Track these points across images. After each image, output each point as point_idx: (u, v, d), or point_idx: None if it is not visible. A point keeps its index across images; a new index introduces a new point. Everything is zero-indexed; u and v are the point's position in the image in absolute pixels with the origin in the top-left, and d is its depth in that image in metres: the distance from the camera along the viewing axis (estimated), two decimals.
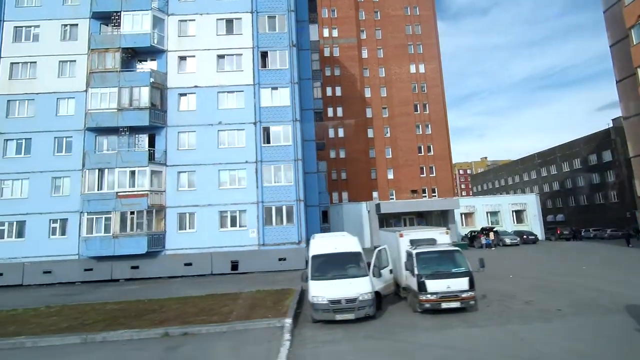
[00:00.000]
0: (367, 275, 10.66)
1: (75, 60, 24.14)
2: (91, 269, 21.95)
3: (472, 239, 32.22)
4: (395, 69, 48.94)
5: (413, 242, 12.20)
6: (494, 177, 72.66)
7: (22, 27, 24.44)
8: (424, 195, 46.83)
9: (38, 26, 24.43)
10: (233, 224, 22.75)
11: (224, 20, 24.63)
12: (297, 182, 23.01)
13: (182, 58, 24.39)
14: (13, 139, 23.26)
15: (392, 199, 45.84)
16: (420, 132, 47.91)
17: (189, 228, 22.67)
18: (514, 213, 37.73)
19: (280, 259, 22.13)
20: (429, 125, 48.04)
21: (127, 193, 21.87)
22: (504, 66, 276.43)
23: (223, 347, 8.89)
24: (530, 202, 37.80)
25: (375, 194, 46.22)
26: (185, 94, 23.99)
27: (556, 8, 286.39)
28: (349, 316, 9.95)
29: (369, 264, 11.15)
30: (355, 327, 9.94)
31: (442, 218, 35.01)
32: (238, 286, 16.56)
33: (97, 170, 22.16)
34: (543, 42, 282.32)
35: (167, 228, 22.47)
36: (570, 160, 49.91)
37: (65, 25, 24.50)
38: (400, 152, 47.57)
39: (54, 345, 9.53)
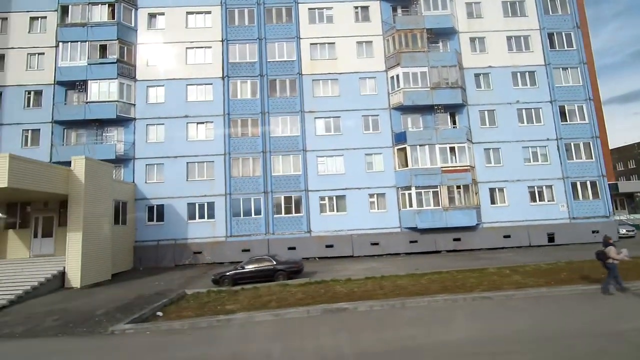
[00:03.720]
0: None
1: (371, 42, 24.89)
2: (416, 241, 22.84)
3: None
4: None
5: None
6: None
7: (314, 8, 25.16)
8: None
9: (331, 8, 25.17)
10: (541, 198, 23.60)
11: (513, 2, 25.38)
12: (598, 158, 23.88)
13: (473, 40, 25.11)
14: (321, 117, 24.06)
15: None
16: None
17: (500, 202, 23.51)
18: None
19: (593, 232, 22.97)
20: None
21: (450, 168, 22.71)
22: None
23: None
24: None
25: None
26: (480, 75, 24.73)
27: None
28: None
29: None
30: None
31: None
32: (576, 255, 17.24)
33: (417, 147, 22.95)
34: None
35: (481, 202, 23.30)
36: None
37: (357, 7, 25.23)
38: None
39: None
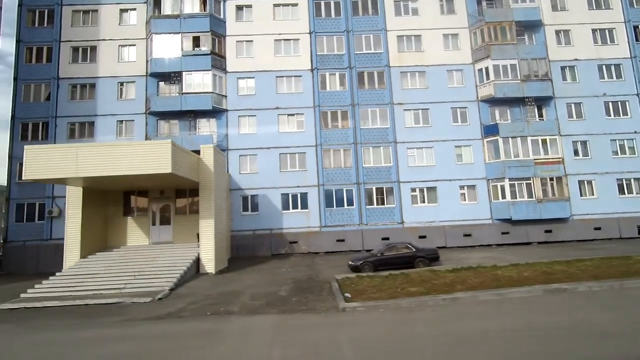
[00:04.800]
0: None
1: (457, 34, 25.01)
2: (507, 233, 23.06)
3: None
4: None
5: None
6: None
7: (399, 1, 25.26)
8: None
9: (416, 0, 25.27)
10: (630, 190, 23.73)
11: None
12: None
13: (558, 32, 25.17)
14: (410, 109, 24.24)
15: None
16: None
17: (589, 195, 23.66)
18: None
19: None
20: None
21: (542, 160, 22.89)
22: None
23: None
24: None
25: None
26: (565, 67, 24.81)
27: None
28: None
29: None
30: None
31: None
32: None
33: (509, 139, 23.11)
34: None
35: (570, 194, 23.47)
36: None
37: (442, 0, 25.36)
38: None
39: None
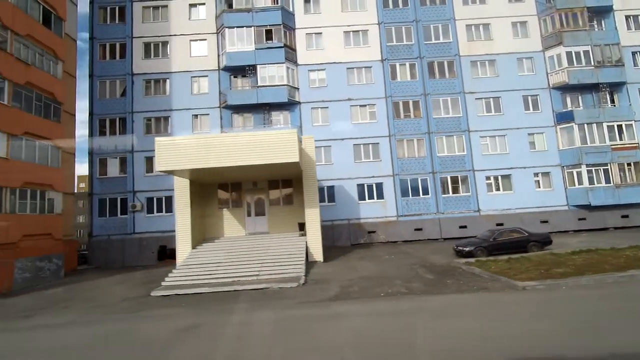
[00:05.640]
0: None
1: (526, 22, 24.93)
2: (584, 219, 23.14)
3: None
4: None
5: None
6: None
7: None
8: None
9: None
10: None
11: None
12: None
13: (628, 17, 25.02)
14: (481, 98, 24.28)
15: None
16: None
17: None
18: None
19: None
20: None
21: (619, 146, 22.88)
22: None
23: None
24: None
25: None
26: (636, 52, 24.69)
27: None
28: None
29: None
30: None
31: None
32: None
33: (584, 125, 23.10)
34: None
35: None
36: None
37: None
38: None
39: None
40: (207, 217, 18.78)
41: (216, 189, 19.25)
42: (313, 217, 16.74)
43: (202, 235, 18.23)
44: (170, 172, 14.96)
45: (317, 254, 16.55)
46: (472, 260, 14.63)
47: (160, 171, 14.28)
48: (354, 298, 10.28)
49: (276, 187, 19.57)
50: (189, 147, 13.72)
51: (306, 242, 16.62)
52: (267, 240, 17.09)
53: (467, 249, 15.66)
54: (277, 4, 24.03)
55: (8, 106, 16.22)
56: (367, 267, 14.80)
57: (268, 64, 23.42)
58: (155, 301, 11.63)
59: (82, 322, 9.82)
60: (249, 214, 19.19)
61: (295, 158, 13.80)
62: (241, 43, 23.61)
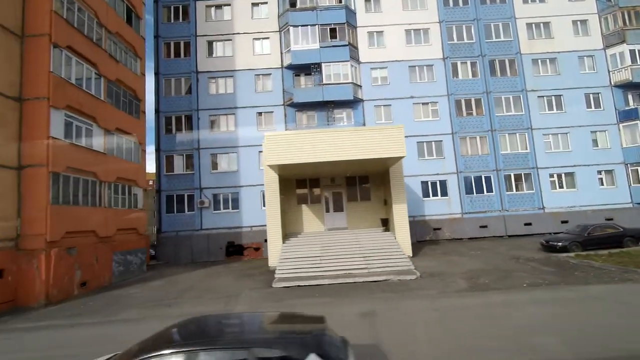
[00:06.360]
0: None
1: (586, 20, 25.03)
2: None
3: None
4: None
5: None
6: None
7: None
8: None
9: None
10: None
11: None
12: None
13: None
14: (543, 96, 24.39)
15: None
16: None
17: None
18: None
19: None
20: None
21: None
22: None
23: None
24: None
25: None
26: None
27: None
28: None
29: None
30: None
31: None
32: None
33: None
34: None
35: None
36: None
37: None
38: None
39: None
40: (286, 213, 18.97)
41: (294, 185, 19.45)
42: (401, 213, 16.89)
43: (284, 230, 18.42)
44: (274, 167, 15.12)
45: (407, 249, 16.68)
46: (570, 254, 14.74)
47: (268, 165, 14.47)
48: (494, 289, 10.43)
49: (353, 183, 19.75)
50: (297, 142, 13.94)
51: (394, 237, 16.76)
52: (352, 235, 17.24)
53: (560, 243, 15.76)
54: (341, 2, 24.25)
55: (104, 102, 16.52)
56: (466, 262, 14.95)
57: (333, 62, 23.62)
58: (284, 292, 11.83)
59: (256, 309, 10.02)
60: (327, 210, 19.38)
61: (402, 153, 14.00)
62: (306, 41, 23.83)
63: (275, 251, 16.53)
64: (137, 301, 12.07)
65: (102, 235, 15.48)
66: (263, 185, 22.48)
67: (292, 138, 14.17)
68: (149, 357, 3.54)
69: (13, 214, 12.31)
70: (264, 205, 22.74)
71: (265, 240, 22.39)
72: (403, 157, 14.16)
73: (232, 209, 23.16)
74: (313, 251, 15.60)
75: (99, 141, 15.89)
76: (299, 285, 12.50)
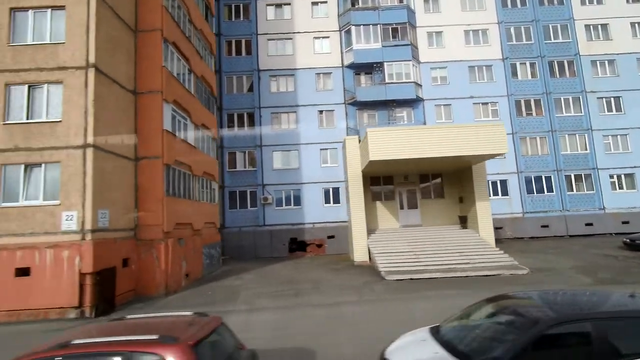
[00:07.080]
0: None
1: None
2: None
3: None
4: None
5: None
6: None
7: None
8: None
9: None
10: None
11: None
12: None
13: None
14: (602, 97, 24.52)
15: None
16: None
17: None
18: None
19: None
20: None
21: None
22: None
23: None
24: None
25: None
26: None
27: None
28: None
29: None
30: None
31: None
32: None
33: None
34: None
35: None
36: None
37: None
38: None
39: None
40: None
41: (369, 182, 19.62)
42: (485, 211, 17.09)
43: None
44: (377, 162, 15.09)
45: (492, 244, 16.83)
46: None
47: (371, 160, 14.60)
48: (628, 283, 10.55)
49: (426, 180, 19.92)
50: (400, 138, 14.14)
51: (478, 233, 16.91)
52: (431, 232, 17.45)
53: (633, 242, 15.90)
54: (402, 2, 24.49)
55: (195, 97, 16.77)
56: (556, 259, 15.10)
57: (395, 61, 23.83)
58: (403, 284, 12.00)
59: (395, 299, 10.20)
60: (401, 207, 19.55)
61: (504, 149, 14.18)
62: (367, 40, 24.06)
63: (360, 246, 16.70)
64: (252, 292, 12.25)
65: (195, 228, 15.70)
66: (324, 182, 22.97)
67: (395, 134, 14.36)
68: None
69: (132, 204, 12.54)
70: (326, 202, 23.12)
71: (329, 237, 22.75)
72: (505, 153, 14.29)
73: (294, 206, 23.34)
74: (402, 246, 15.78)
75: (192, 135, 16.14)
76: (411, 279, 12.66)
